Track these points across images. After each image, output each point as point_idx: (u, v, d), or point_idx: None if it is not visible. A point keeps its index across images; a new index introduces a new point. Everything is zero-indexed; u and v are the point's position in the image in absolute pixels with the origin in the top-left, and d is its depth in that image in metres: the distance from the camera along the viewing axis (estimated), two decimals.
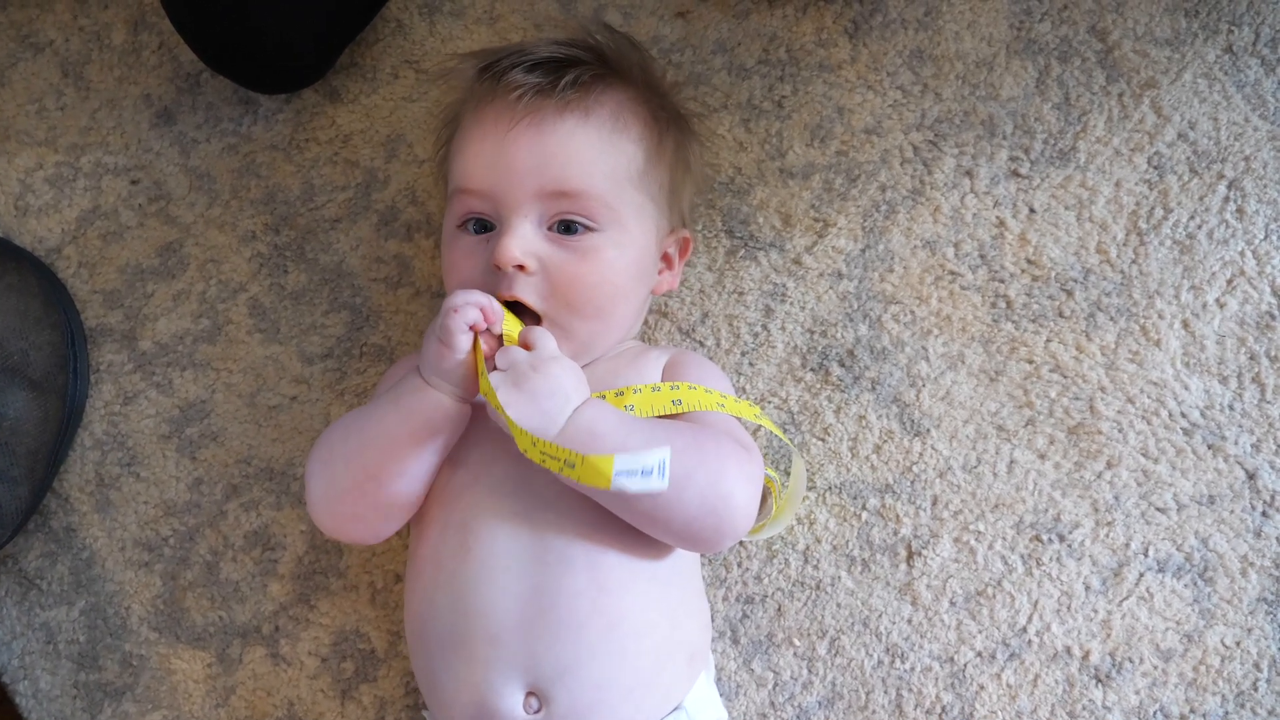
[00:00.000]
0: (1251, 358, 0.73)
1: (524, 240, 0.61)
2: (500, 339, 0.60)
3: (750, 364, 0.76)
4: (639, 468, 0.51)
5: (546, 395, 0.57)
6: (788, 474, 0.73)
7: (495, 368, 0.59)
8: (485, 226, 0.64)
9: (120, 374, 0.81)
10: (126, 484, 0.79)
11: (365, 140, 0.81)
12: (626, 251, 0.64)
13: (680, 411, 0.64)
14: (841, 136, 0.79)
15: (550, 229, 0.63)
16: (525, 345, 0.60)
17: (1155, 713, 0.69)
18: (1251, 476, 0.72)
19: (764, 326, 0.77)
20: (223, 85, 0.83)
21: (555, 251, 0.62)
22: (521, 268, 0.61)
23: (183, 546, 0.78)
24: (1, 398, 0.80)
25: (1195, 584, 0.71)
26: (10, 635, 0.79)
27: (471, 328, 0.59)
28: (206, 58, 0.76)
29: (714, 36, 0.81)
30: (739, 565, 0.74)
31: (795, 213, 0.78)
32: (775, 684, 0.72)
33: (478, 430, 0.63)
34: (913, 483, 0.74)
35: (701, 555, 0.71)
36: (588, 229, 0.63)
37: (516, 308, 0.62)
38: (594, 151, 0.63)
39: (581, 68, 0.65)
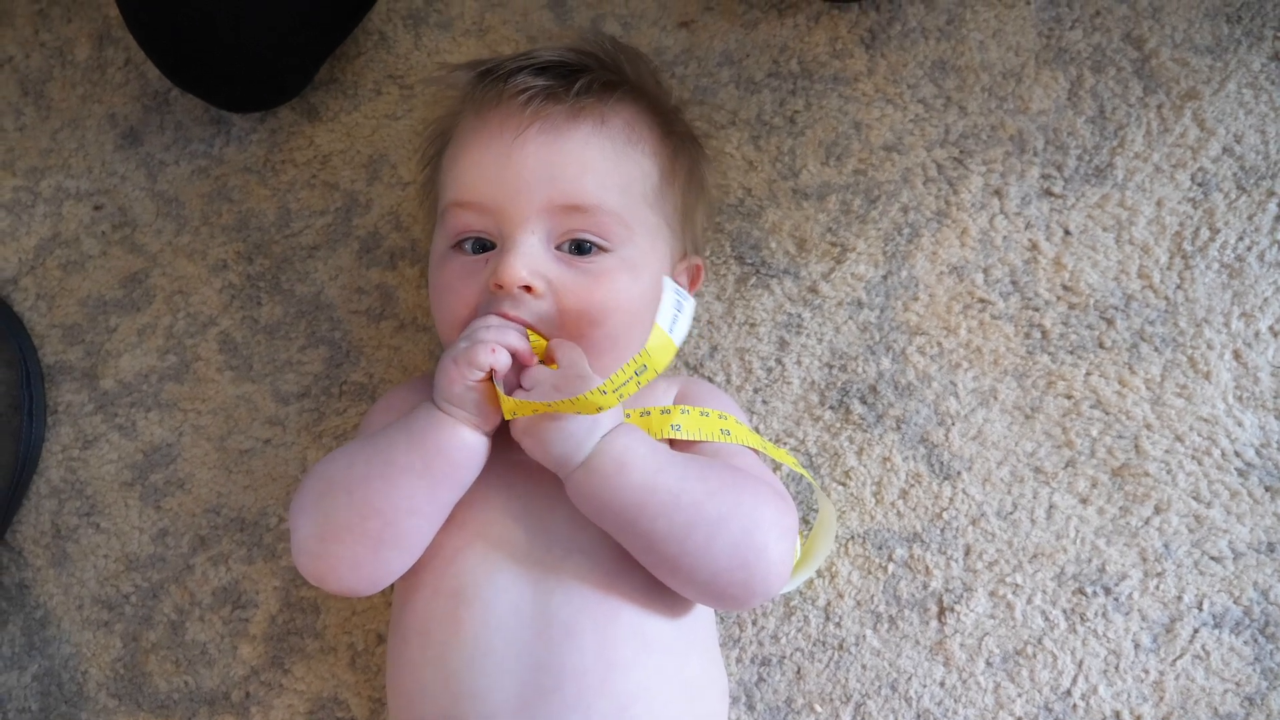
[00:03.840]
0: None
1: (531, 258, 0.54)
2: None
3: (764, 402, 0.69)
4: (672, 312, 0.51)
5: (572, 419, 0.51)
6: (806, 523, 0.66)
7: (519, 386, 0.52)
8: (484, 246, 0.57)
9: (80, 415, 0.73)
10: (85, 536, 0.72)
11: (346, 161, 0.74)
12: (641, 277, 0.57)
13: (727, 441, 0.57)
14: (859, 154, 0.72)
15: (559, 248, 0.56)
16: (550, 361, 0.53)
17: None
18: None
19: (778, 361, 0.70)
20: (193, 104, 0.76)
21: (565, 273, 0.55)
22: (529, 289, 0.54)
23: (145, 605, 0.70)
24: None
25: (1256, 640, 0.63)
26: None
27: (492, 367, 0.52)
28: (173, 75, 0.69)
29: (720, 48, 0.74)
30: (754, 624, 0.66)
31: (810, 237, 0.71)
32: None
33: (479, 487, 0.55)
34: (943, 531, 0.66)
35: (715, 613, 0.64)
36: (601, 249, 0.56)
37: None
38: (609, 163, 0.56)
39: (595, 73, 0.58)
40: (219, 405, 0.72)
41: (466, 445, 0.53)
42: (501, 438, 0.55)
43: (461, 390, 0.53)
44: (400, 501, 0.53)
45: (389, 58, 0.75)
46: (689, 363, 0.70)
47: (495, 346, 0.52)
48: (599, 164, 0.56)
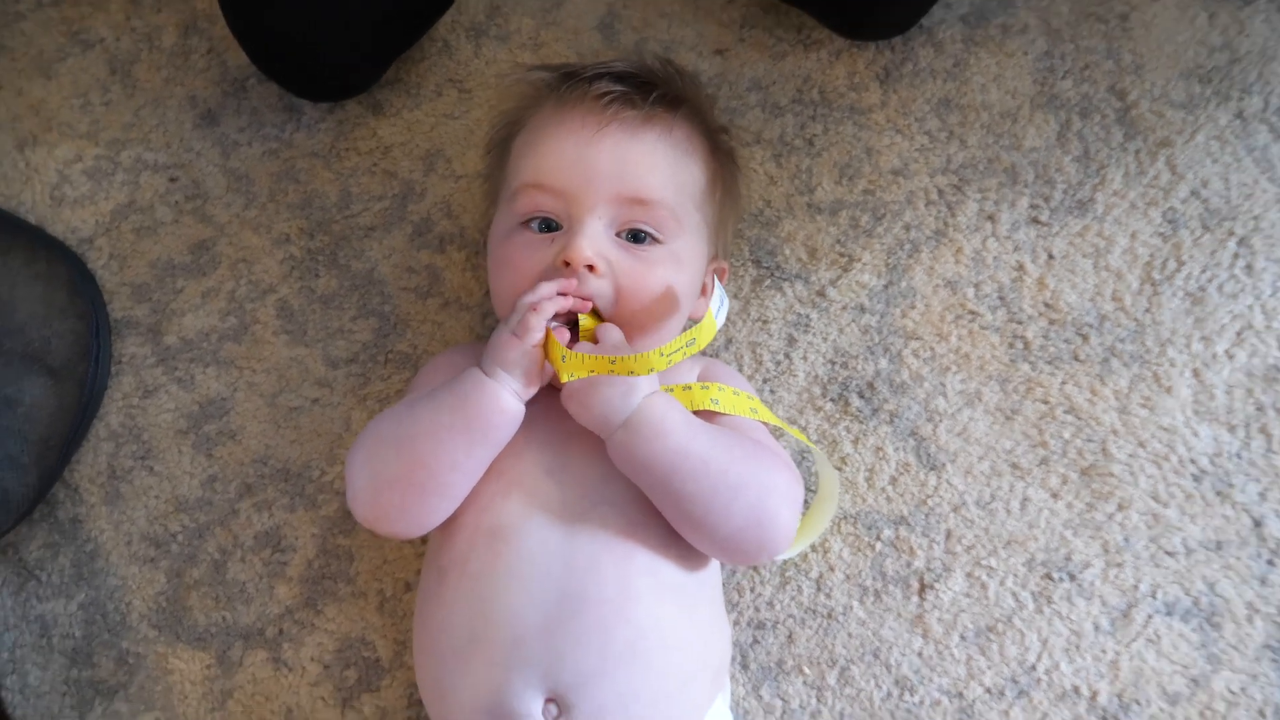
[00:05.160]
0: (1259, 408, 0.71)
1: (597, 240, 0.59)
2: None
3: (771, 391, 0.74)
4: (719, 303, 0.58)
5: (612, 383, 0.55)
6: (812, 491, 0.70)
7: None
8: (549, 227, 0.61)
9: (142, 367, 0.77)
10: (139, 477, 0.75)
11: (405, 153, 0.79)
12: (684, 268, 0.62)
13: (753, 418, 0.62)
14: (869, 176, 0.77)
15: (618, 235, 0.60)
16: (594, 340, 0.58)
17: None
18: (1258, 524, 0.69)
19: (786, 355, 0.74)
20: (268, 92, 0.80)
21: (623, 257, 0.60)
22: (592, 268, 0.58)
23: (191, 544, 0.74)
24: (19, 383, 0.76)
25: (1202, 628, 0.68)
26: (2, 626, 0.73)
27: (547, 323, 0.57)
28: (260, 63, 0.74)
29: (750, 75, 0.80)
30: (751, 590, 0.70)
31: (821, 247, 0.76)
32: (784, 712, 0.68)
33: (516, 443, 0.59)
34: (927, 516, 0.71)
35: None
36: (654, 240, 0.61)
37: None
38: (671, 167, 0.62)
39: (664, 88, 0.63)
40: (273, 365, 0.76)
41: (507, 409, 0.57)
42: (538, 401, 0.59)
43: (516, 355, 0.57)
44: (444, 457, 0.57)
45: (450, 63, 0.80)
46: (705, 352, 0.74)
47: (544, 304, 0.57)
48: (662, 166, 0.61)
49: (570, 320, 0.58)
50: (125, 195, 0.80)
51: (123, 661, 0.72)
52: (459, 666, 0.55)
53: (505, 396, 0.57)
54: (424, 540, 0.72)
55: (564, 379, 0.57)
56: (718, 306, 0.59)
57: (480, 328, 0.76)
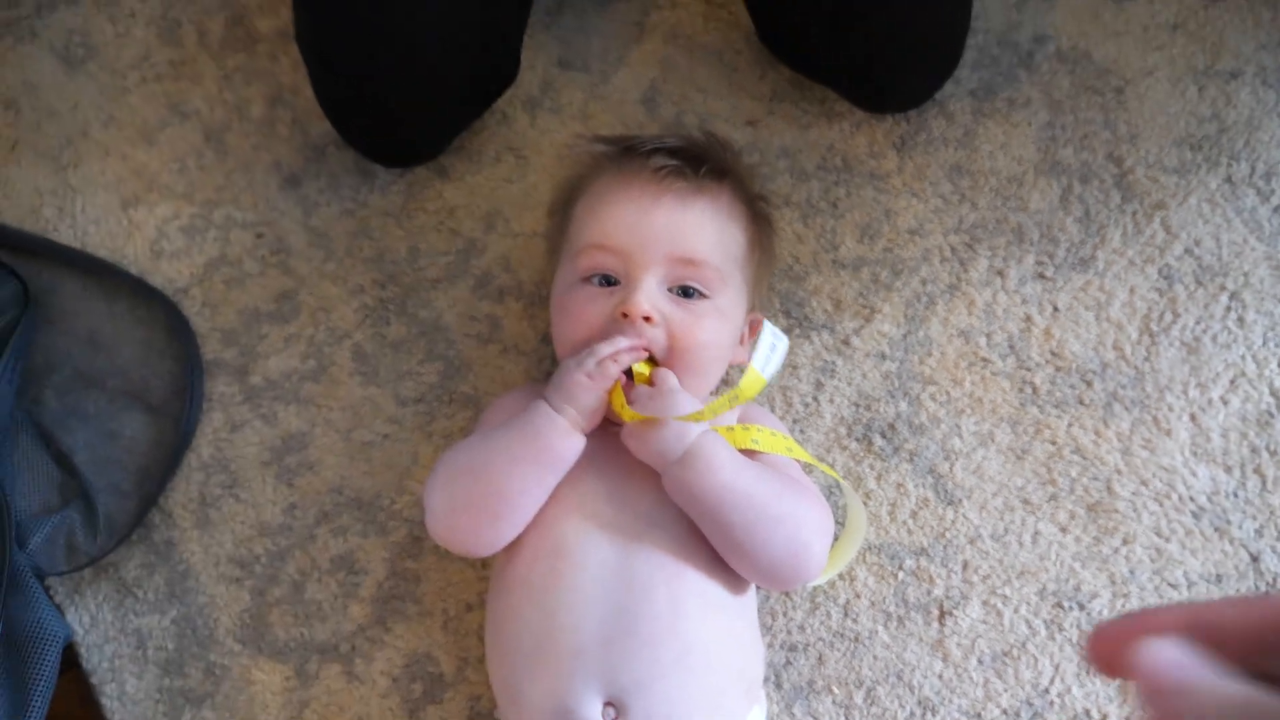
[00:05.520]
0: (1253, 450, 0.76)
1: (652, 295, 0.66)
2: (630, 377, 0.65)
3: (800, 431, 0.80)
4: (766, 353, 0.63)
5: (668, 424, 0.62)
6: (841, 524, 0.76)
7: (630, 401, 0.63)
8: (608, 282, 0.68)
9: (231, 404, 0.84)
10: (226, 504, 0.82)
11: (467, 213, 0.86)
12: (727, 321, 0.69)
13: (789, 456, 0.69)
14: (888, 235, 0.84)
15: (670, 290, 0.67)
16: (650, 383, 0.65)
17: None
18: (1255, 559, 0.74)
19: (814, 398, 0.80)
20: (346, 158, 0.88)
21: (675, 310, 0.66)
22: (649, 319, 0.65)
23: (273, 565, 0.80)
24: (120, 418, 0.84)
25: None
26: (104, 639, 0.80)
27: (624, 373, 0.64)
28: (343, 132, 0.82)
29: (779, 144, 0.87)
30: (784, 614, 0.75)
31: (845, 299, 0.82)
32: None
33: (575, 471, 0.65)
34: (945, 547, 0.76)
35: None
36: (702, 295, 0.67)
37: None
38: (718, 231, 0.69)
39: (712, 161, 0.71)
40: (348, 403, 0.83)
41: (571, 441, 0.64)
42: (595, 434, 0.66)
43: (588, 397, 0.64)
44: (515, 483, 0.64)
45: (508, 133, 0.88)
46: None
47: (622, 355, 0.64)
48: (710, 231, 0.68)
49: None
50: (217, 250, 0.88)
51: (210, 673, 0.78)
52: (528, 673, 0.61)
53: (572, 430, 0.64)
54: (484, 565, 0.78)
55: (625, 419, 0.64)
56: (764, 359, 0.65)
57: (536, 371, 0.82)
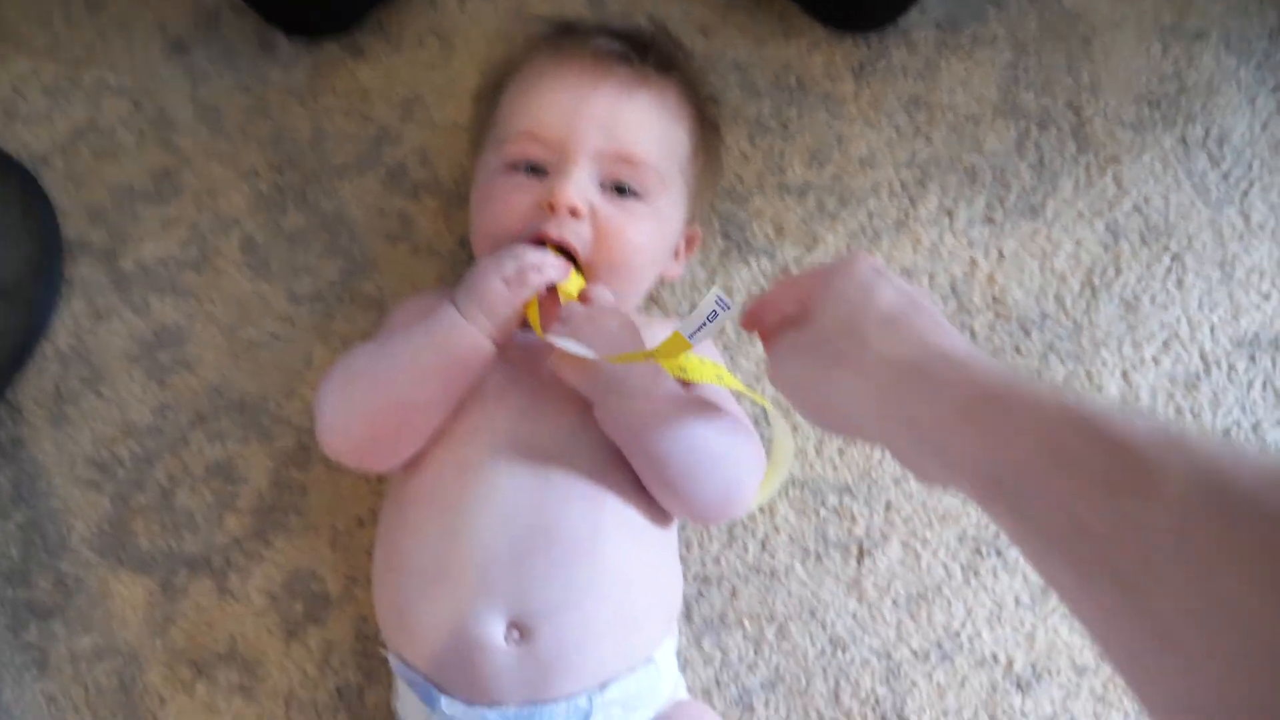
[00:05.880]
0: (1178, 411, 0.97)
1: (582, 187, 0.77)
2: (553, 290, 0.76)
3: (731, 358, 0.97)
4: (702, 319, 0.68)
5: (602, 345, 0.72)
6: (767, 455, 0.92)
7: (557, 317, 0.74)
8: (535, 171, 0.79)
9: (95, 291, 0.96)
10: (86, 401, 0.94)
11: (382, 98, 1.00)
12: (663, 226, 0.82)
13: (720, 385, 0.81)
14: (838, 162, 1.02)
15: (602, 187, 0.79)
16: (584, 299, 0.76)
17: None
18: None
19: None
20: (244, 25, 1.01)
21: (606, 205, 0.78)
22: (575, 212, 0.77)
23: (138, 470, 0.92)
24: None
25: (1037, 573, 0.93)
26: None
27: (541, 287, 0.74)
28: None
29: (732, 56, 1.04)
30: (699, 545, 0.92)
31: (788, 225, 1.00)
32: (722, 662, 0.90)
33: (487, 382, 0.77)
34: (870, 487, 0.94)
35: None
36: (637, 196, 0.79)
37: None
38: (660, 129, 0.81)
39: (659, 51, 0.83)
40: (233, 297, 0.96)
41: (481, 351, 0.75)
42: (512, 343, 0.79)
43: (502, 305, 0.73)
44: (418, 394, 0.75)
45: (435, 15, 1.02)
46: (668, 315, 0.97)
47: (543, 268, 0.74)
48: (653, 127, 0.80)
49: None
50: (84, 116, 0.99)
51: (61, 584, 0.90)
52: (424, 592, 0.73)
53: (482, 339, 0.75)
54: (379, 478, 0.92)
55: (542, 336, 0.74)
56: (693, 327, 0.69)
57: (450, 276, 0.97)
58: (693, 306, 0.98)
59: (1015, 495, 0.44)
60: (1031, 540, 0.44)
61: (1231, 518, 0.36)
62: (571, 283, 0.77)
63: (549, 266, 0.75)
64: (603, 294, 0.77)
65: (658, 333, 0.82)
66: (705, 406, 0.77)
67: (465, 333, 0.75)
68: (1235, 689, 0.34)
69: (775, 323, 0.67)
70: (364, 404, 0.75)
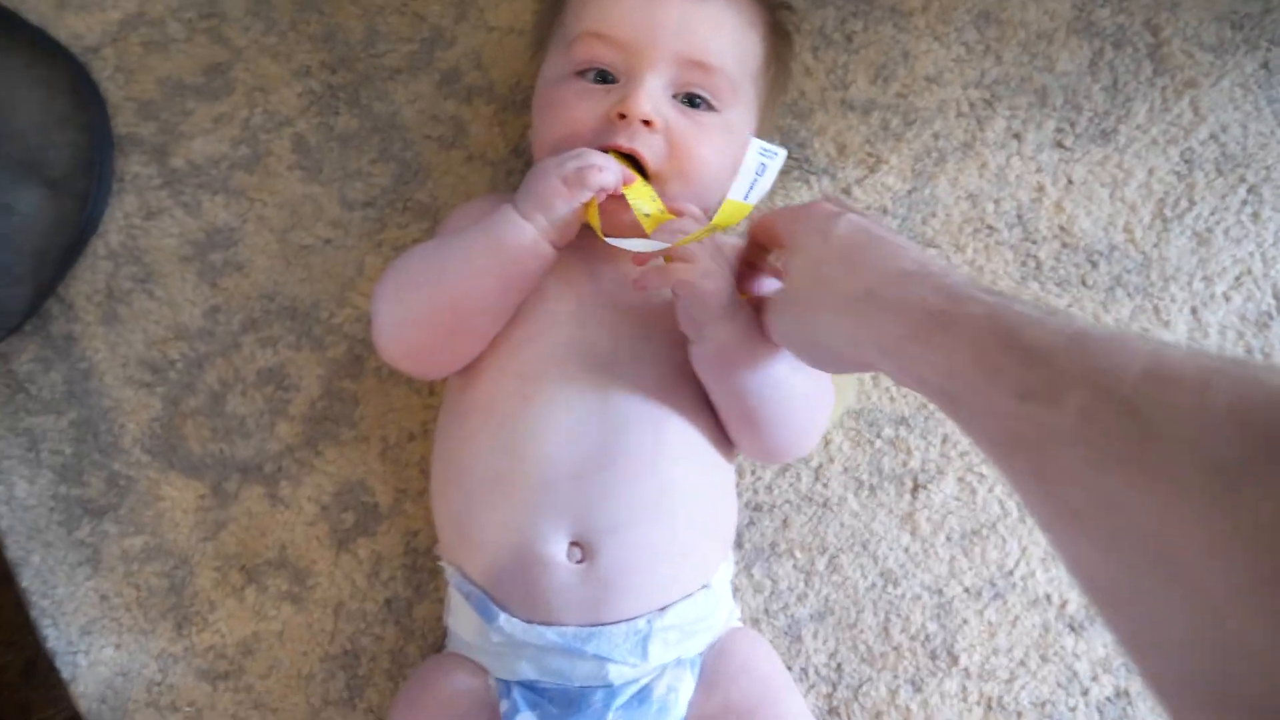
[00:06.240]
0: (1247, 350, 0.67)
1: (655, 97, 0.52)
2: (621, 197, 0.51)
3: None
4: (751, 176, 0.49)
5: (717, 292, 0.49)
6: None
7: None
8: (604, 79, 0.53)
9: (146, 187, 0.67)
10: (138, 300, 0.66)
11: None
12: (733, 139, 0.55)
13: None
14: (904, 79, 0.70)
15: (674, 97, 0.53)
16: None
17: (1119, 666, 0.63)
18: None
19: None
20: None
21: (679, 118, 0.53)
22: (648, 123, 0.51)
23: (190, 373, 0.65)
24: (13, 191, 0.66)
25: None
26: None
27: (600, 190, 0.50)
28: None
29: None
30: (752, 473, 0.65)
31: (851, 144, 0.69)
32: (772, 591, 0.64)
33: (548, 289, 0.53)
34: (926, 419, 0.66)
35: None
36: (709, 107, 0.54)
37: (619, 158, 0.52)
38: (735, 36, 0.55)
39: None
40: (285, 200, 0.67)
41: (540, 254, 0.51)
42: (574, 249, 0.53)
43: (561, 206, 0.50)
44: (475, 297, 0.51)
45: None
46: (727, 233, 0.68)
47: (608, 173, 0.50)
48: (727, 33, 0.54)
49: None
50: (135, 5, 0.69)
51: (113, 483, 0.64)
52: (485, 505, 0.50)
53: (541, 241, 0.51)
54: (431, 391, 0.65)
55: (602, 238, 0.50)
56: (747, 185, 0.51)
57: (503, 184, 0.67)
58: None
59: (962, 407, 0.35)
60: (983, 448, 0.35)
61: (1118, 418, 0.28)
62: (637, 188, 0.51)
63: (611, 169, 0.50)
64: (691, 210, 0.53)
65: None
66: (791, 359, 0.53)
67: (524, 232, 0.50)
68: (1133, 581, 0.27)
69: (759, 275, 0.52)
70: (419, 306, 0.51)
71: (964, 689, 0.63)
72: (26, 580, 0.64)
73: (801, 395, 0.53)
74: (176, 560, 0.64)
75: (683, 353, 0.52)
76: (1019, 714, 0.63)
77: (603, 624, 0.50)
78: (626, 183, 0.51)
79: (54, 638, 0.63)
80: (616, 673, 0.51)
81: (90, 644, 0.63)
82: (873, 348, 0.40)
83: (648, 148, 0.52)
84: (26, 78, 0.67)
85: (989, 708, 0.63)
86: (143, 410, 0.65)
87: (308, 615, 0.63)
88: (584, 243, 0.52)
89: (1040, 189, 0.69)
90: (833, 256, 0.43)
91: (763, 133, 0.62)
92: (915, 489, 0.65)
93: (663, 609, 0.51)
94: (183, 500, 0.64)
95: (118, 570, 0.64)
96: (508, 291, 0.51)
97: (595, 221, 0.51)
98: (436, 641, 0.63)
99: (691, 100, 0.54)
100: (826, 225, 0.45)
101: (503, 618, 0.50)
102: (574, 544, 0.49)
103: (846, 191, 0.68)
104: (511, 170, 0.67)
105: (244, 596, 0.63)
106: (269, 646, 0.63)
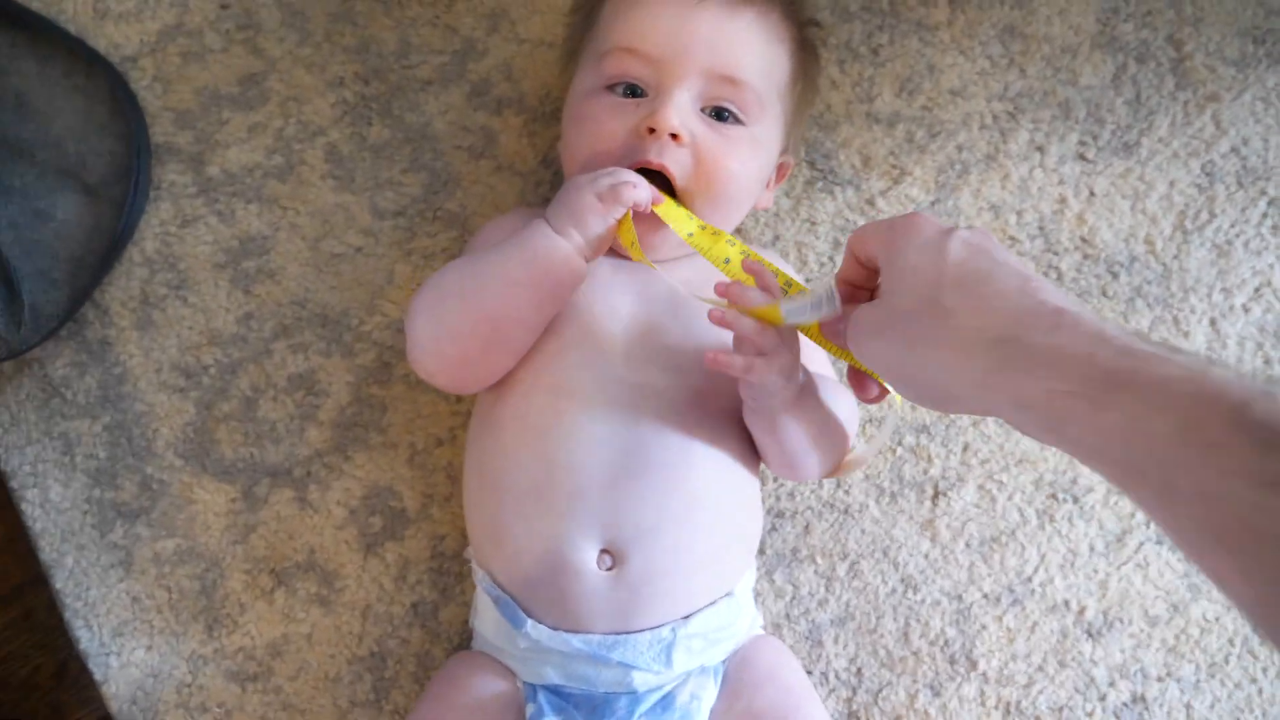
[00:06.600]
0: (1266, 362, 0.68)
1: (683, 111, 0.53)
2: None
3: None
4: (806, 307, 0.46)
5: (783, 358, 0.49)
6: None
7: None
8: (633, 93, 0.54)
9: (182, 195, 0.68)
10: (172, 306, 0.67)
11: (469, 9, 0.70)
12: (760, 153, 0.56)
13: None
14: (929, 92, 0.71)
15: (703, 110, 0.54)
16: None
17: (1136, 672, 0.64)
18: None
19: (830, 258, 0.68)
20: None
21: (707, 132, 0.54)
22: (676, 137, 0.52)
23: (223, 378, 0.66)
24: (52, 197, 0.67)
25: (1187, 559, 0.65)
26: (25, 440, 0.66)
27: (634, 207, 0.51)
28: None
29: None
30: (774, 480, 0.65)
31: (876, 156, 0.70)
32: (793, 597, 0.64)
33: (580, 302, 0.54)
34: (947, 428, 0.66)
35: None
36: (737, 121, 0.55)
37: (651, 177, 0.53)
38: (763, 50, 0.55)
39: None
40: (317, 209, 0.68)
41: (574, 269, 0.52)
42: (606, 261, 0.54)
43: (596, 221, 0.51)
44: (510, 311, 0.52)
45: None
46: (753, 246, 0.69)
47: (642, 189, 0.50)
48: (756, 48, 0.55)
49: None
50: (173, 16, 0.70)
51: (146, 487, 0.65)
52: (519, 514, 0.51)
53: (575, 256, 0.51)
54: (458, 399, 0.65)
55: (634, 258, 0.51)
56: (796, 308, 0.47)
57: (532, 196, 0.68)
58: (776, 237, 0.69)
59: (1154, 483, 0.31)
60: (1183, 529, 0.30)
61: None
62: (668, 208, 0.52)
63: (644, 186, 0.51)
64: (764, 274, 0.50)
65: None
66: (823, 380, 0.54)
67: (557, 246, 0.51)
68: None
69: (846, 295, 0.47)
70: (455, 320, 0.52)
71: (982, 694, 0.64)
72: (60, 582, 0.65)
73: (833, 429, 0.53)
74: (208, 563, 0.65)
75: None
76: (1037, 718, 0.63)
77: (629, 631, 0.51)
78: (655, 203, 0.52)
79: (86, 639, 0.64)
80: (641, 680, 0.51)
81: (122, 645, 0.64)
82: (1007, 398, 0.35)
83: (675, 163, 0.53)
84: (65, 86, 0.68)
85: (1007, 712, 0.64)
86: (176, 415, 0.66)
87: (335, 618, 0.64)
88: (613, 257, 0.53)
89: (1062, 200, 0.69)
90: (950, 282, 0.38)
91: (791, 147, 0.62)
92: (936, 496, 0.65)
93: (687, 617, 0.52)
94: (214, 504, 0.65)
95: (150, 573, 0.64)
96: (543, 305, 0.52)
97: (627, 238, 0.52)
98: (462, 644, 0.64)
99: (719, 114, 0.55)
100: (939, 244, 0.40)
101: (530, 624, 0.51)
102: (604, 551, 0.50)
103: (871, 203, 0.69)
104: (540, 181, 0.68)
105: (273, 599, 0.64)
106: (297, 649, 0.64)
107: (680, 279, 0.52)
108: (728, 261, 0.51)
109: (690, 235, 0.51)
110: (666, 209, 0.52)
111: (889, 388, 0.49)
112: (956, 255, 0.39)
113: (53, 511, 0.65)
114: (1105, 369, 0.32)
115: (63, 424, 0.66)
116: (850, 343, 0.44)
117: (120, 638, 0.64)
